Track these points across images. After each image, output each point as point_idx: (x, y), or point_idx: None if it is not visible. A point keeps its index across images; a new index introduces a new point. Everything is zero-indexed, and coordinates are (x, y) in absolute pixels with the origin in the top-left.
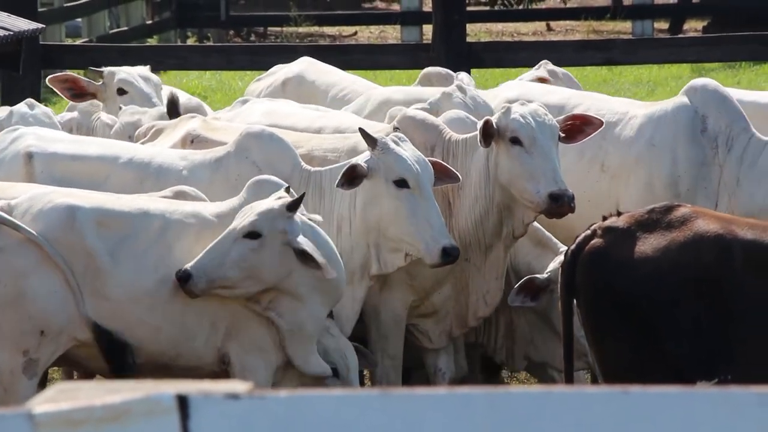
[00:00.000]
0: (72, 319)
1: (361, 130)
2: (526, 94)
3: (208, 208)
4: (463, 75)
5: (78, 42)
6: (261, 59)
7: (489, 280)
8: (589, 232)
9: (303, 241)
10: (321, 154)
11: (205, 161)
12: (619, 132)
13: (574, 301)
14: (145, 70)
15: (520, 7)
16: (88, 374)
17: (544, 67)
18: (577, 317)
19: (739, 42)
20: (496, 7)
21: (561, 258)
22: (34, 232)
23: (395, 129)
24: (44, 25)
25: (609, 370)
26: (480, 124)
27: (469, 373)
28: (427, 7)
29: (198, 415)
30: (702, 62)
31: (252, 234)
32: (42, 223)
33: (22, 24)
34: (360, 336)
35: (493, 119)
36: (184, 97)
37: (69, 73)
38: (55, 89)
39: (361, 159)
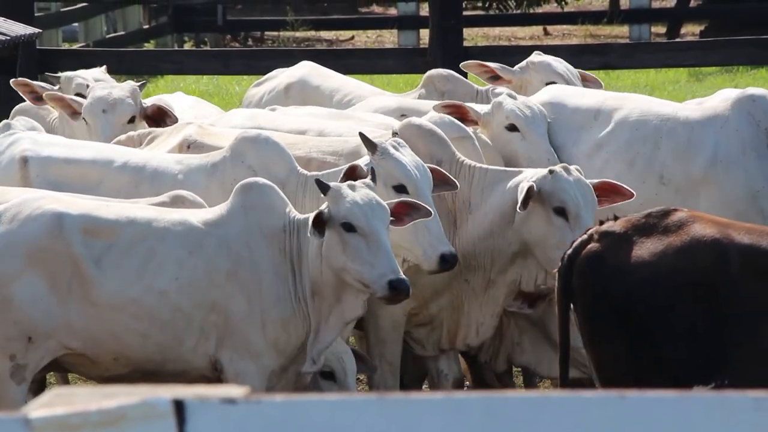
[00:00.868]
0: (60, 326)
1: (361, 135)
2: (559, 96)
3: (196, 216)
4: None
5: (75, 47)
6: (258, 64)
7: (485, 314)
8: (585, 236)
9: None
10: (320, 156)
11: (201, 165)
12: (673, 142)
13: (571, 306)
14: (99, 72)
15: (517, 11)
16: (85, 379)
17: (538, 58)
18: (575, 323)
19: (736, 46)
20: (493, 12)
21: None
22: None
23: (394, 134)
24: (41, 30)
25: (606, 375)
26: (524, 186)
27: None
28: (424, 11)
29: (194, 419)
30: (699, 66)
31: None
32: (29, 230)
33: (19, 29)
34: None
35: (536, 184)
36: (188, 102)
37: (24, 79)
38: (19, 92)
39: (361, 162)
